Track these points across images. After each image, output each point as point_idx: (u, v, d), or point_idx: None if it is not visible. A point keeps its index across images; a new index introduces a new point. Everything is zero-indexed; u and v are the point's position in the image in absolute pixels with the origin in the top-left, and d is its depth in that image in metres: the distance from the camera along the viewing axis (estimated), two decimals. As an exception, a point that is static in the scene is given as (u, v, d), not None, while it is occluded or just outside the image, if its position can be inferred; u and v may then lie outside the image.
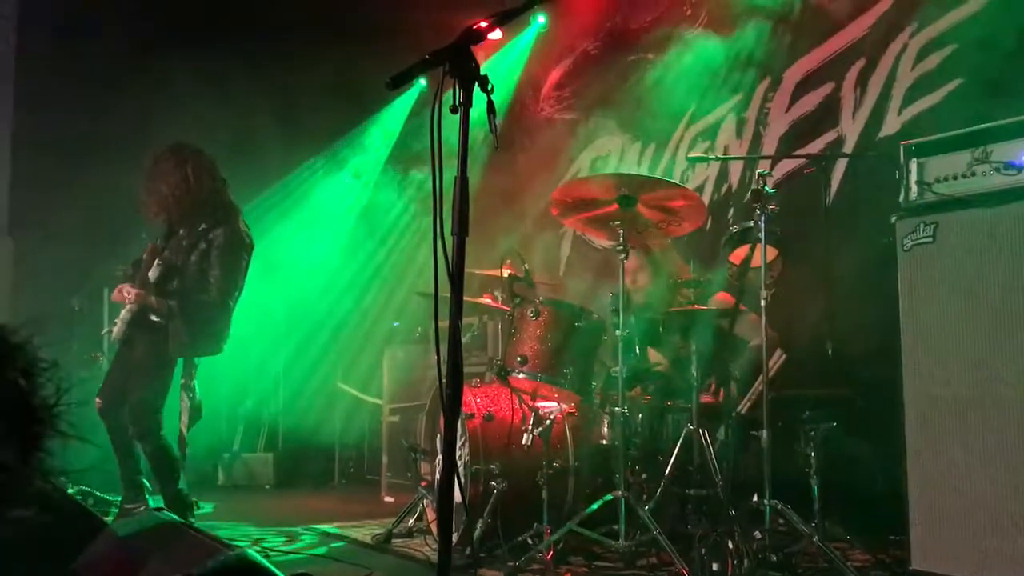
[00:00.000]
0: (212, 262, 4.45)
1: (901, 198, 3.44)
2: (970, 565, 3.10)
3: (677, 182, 5.28)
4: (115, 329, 4.55)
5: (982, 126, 3.29)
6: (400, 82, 1.90)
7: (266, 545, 4.55)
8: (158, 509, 3.75)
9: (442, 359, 1.87)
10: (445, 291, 1.92)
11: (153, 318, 4.43)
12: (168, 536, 1.92)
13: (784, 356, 4.11)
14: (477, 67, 1.91)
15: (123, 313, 4.52)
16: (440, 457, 4.37)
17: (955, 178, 3.32)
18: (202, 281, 4.45)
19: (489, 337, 5.95)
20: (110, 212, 6.13)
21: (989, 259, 3.17)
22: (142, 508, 4.33)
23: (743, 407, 4.21)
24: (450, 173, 1.95)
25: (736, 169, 5.99)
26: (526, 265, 4.76)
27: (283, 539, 4.78)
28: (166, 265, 4.44)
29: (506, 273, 4.69)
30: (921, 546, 3.25)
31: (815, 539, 3.46)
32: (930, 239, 3.32)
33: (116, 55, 6.86)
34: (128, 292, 4.44)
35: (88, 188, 6.42)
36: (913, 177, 3.41)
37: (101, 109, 6.78)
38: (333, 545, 4.60)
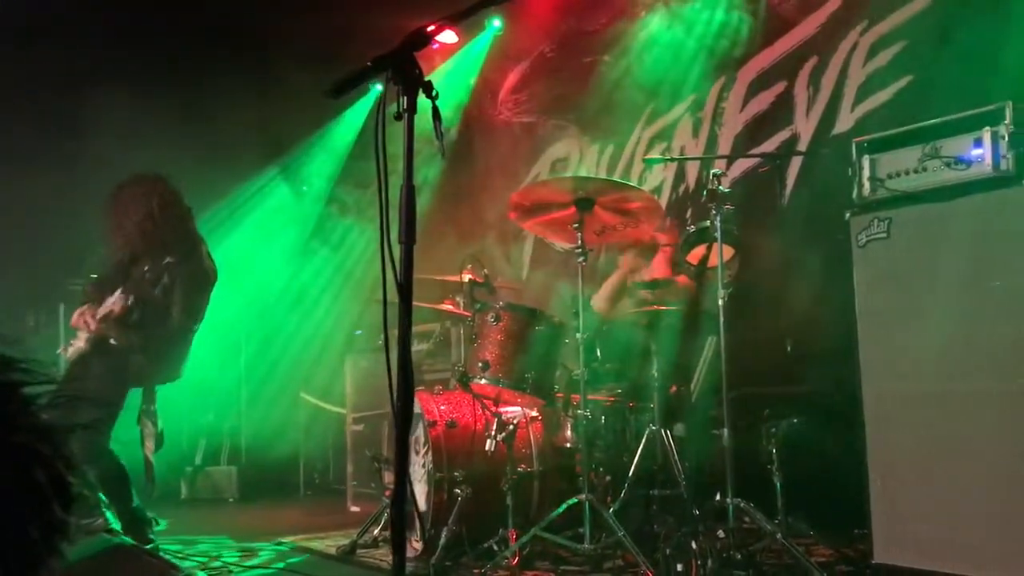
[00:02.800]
0: (175, 298, 4.34)
1: (855, 194, 3.46)
2: (932, 557, 3.13)
3: (634, 184, 5.30)
4: (70, 349, 4.44)
5: (932, 121, 3.33)
6: (342, 90, 1.86)
7: (225, 560, 4.46)
8: (111, 531, 3.67)
9: (392, 367, 1.84)
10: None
11: (112, 342, 4.32)
12: (119, 560, 1.88)
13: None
14: (421, 73, 1.87)
15: (80, 335, 4.40)
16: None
17: (907, 173, 3.35)
18: (163, 315, 4.34)
19: (452, 343, 5.90)
20: (65, 225, 6.02)
21: (943, 253, 3.20)
22: (99, 522, 4.21)
23: (693, 392, 4.26)
24: (397, 180, 1.92)
25: (693, 169, 6.01)
26: (486, 270, 4.74)
27: (241, 553, 4.69)
28: (129, 298, 4.32)
29: (466, 279, 4.66)
30: (884, 539, 3.28)
31: (778, 536, 3.47)
32: (884, 234, 3.35)
33: (63, 68, 6.72)
34: (88, 321, 4.31)
35: (41, 201, 6.29)
36: (866, 173, 3.43)
37: (49, 121, 6.66)
38: (294, 558, 4.54)
